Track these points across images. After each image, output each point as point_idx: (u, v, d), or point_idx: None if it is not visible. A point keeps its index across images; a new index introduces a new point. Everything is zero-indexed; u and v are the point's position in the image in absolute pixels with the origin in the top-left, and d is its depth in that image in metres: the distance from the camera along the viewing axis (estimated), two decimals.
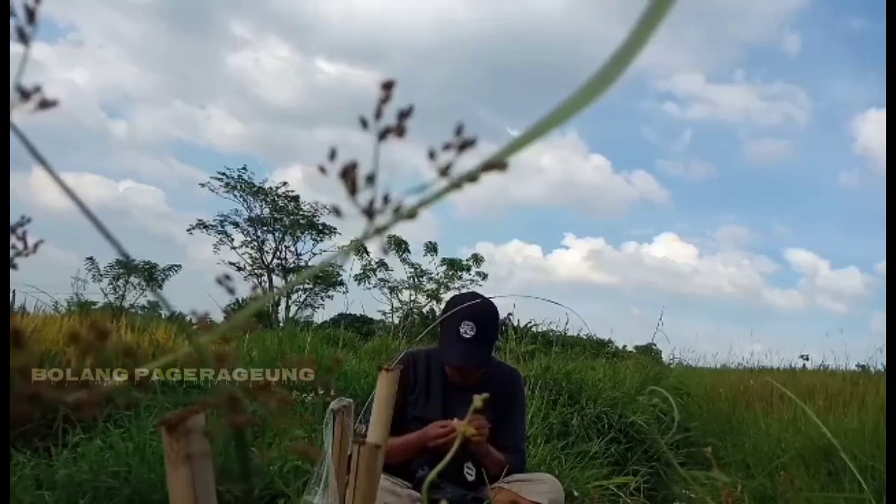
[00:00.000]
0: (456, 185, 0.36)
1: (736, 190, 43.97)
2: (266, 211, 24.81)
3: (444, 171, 0.36)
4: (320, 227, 25.35)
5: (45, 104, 0.37)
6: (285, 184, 24.98)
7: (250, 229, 24.92)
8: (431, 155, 0.37)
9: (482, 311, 2.18)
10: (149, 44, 35.45)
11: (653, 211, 40.02)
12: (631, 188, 40.48)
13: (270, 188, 24.67)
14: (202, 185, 24.51)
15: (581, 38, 42.52)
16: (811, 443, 3.98)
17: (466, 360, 2.12)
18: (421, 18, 41.16)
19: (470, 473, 2.08)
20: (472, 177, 0.36)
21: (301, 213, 25.08)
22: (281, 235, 25.22)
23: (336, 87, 36.56)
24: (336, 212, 0.38)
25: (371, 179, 0.37)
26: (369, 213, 0.37)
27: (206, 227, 24.74)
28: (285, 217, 24.88)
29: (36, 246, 0.52)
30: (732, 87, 41.67)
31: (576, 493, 3.07)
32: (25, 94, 0.37)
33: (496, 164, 0.36)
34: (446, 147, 0.37)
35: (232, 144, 36.53)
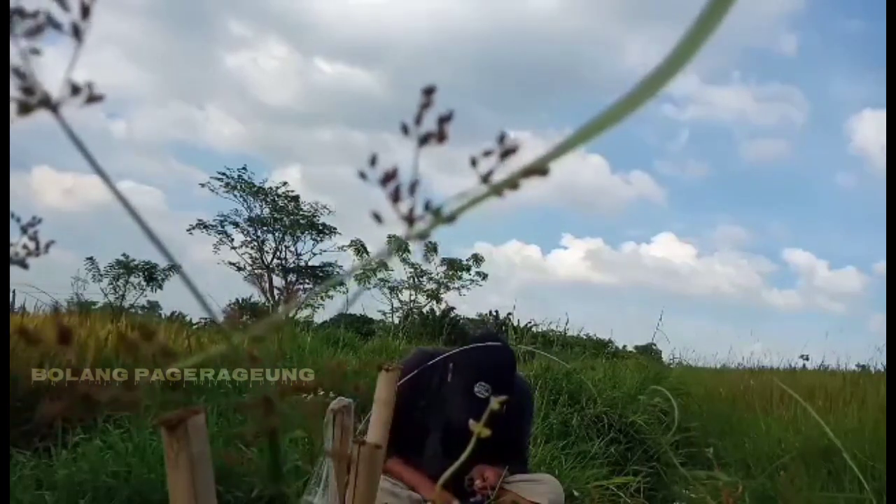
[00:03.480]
0: (496, 191, 0.36)
1: (733, 190, 44.13)
2: (266, 211, 24.81)
3: (486, 178, 0.36)
4: (320, 227, 25.35)
5: (93, 98, 0.37)
6: (285, 184, 25.01)
7: (250, 229, 24.93)
8: (473, 162, 0.37)
9: (499, 370, 2.05)
10: (147, 44, 35.49)
11: (650, 211, 40.13)
12: (629, 188, 40.57)
13: (270, 188, 24.68)
14: (202, 185, 24.55)
15: (579, 38, 42.56)
16: (811, 443, 3.97)
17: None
18: (419, 18, 41.16)
19: (471, 483, 2.08)
20: (512, 183, 0.36)
21: (301, 213, 25.07)
22: (281, 235, 25.22)
23: (335, 87, 36.62)
24: (377, 218, 0.38)
25: (413, 188, 0.37)
26: (409, 219, 0.37)
27: (206, 227, 24.75)
28: (285, 217, 24.87)
29: (47, 246, 0.52)
30: (729, 88, 41.78)
31: (576, 493, 3.07)
32: (76, 89, 0.37)
33: (536, 169, 0.35)
34: (487, 154, 0.37)
35: (231, 144, 36.65)
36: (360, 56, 42.48)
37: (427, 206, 0.37)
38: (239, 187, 24.26)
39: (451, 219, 0.37)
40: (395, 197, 0.37)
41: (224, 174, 24.03)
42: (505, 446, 2.09)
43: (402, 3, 42.75)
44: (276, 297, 24.35)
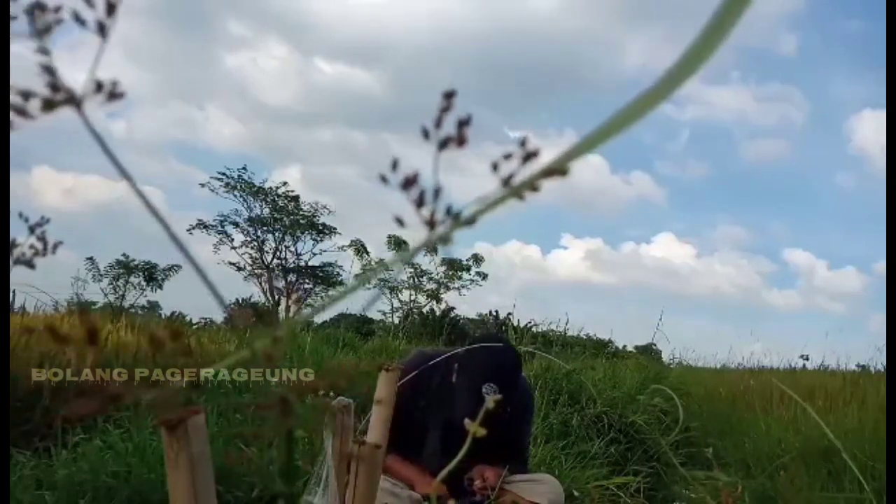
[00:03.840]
0: (516, 193, 0.36)
1: (733, 190, 44.24)
2: (266, 211, 24.80)
3: (507, 181, 0.36)
4: (320, 227, 25.34)
5: (114, 95, 0.38)
6: (285, 184, 25.00)
7: (250, 229, 24.91)
8: (495, 166, 0.37)
9: (506, 371, 2.05)
10: (147, 44, 35.48)
11: (650, 211, 40.18)
12: (628, 188, 40.63)
13: (270, 188, 24.67)
14: (202, 185, 24.54)
15: (578, 38, 42.59)
16: (811, 443, 3.97)
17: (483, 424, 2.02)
18: (419, 18, 41.16)
19: (470, 483, 2.08)
20: (532, 185, 0.36)
21: (301, 213, 25.06)
22: (281, 235, 25.21)
23: (334, 87, 36.62)
24: (399, 222, 0.38)
25: (437, 193, 0.37)
26: (431, 223, 0.37)
27: (206, 227, 24.74)
28: (285, 217, 24.86)
29: (55, 247, 0.52)
30: (728, 88, 41.81)
31: (576, 493, 3.07)
32: (99, 86, 0.38)
33: (556, 170, 0.36)
34: (507, 157, 0.37)
35: (231, 144, 36.66)
36: (360, 56, 42.53)
37: (448, 211, 0.37)
38: (239, 187, 24.25)
39: (471, 221, 0.37)
40: (420, 202, 0.37)
41: (224, 174, 24.04)
42: (506, 446, 2.09)
43: (402, 3, 42.77)
44: (277, 297, 24.35)
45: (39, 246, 0.51)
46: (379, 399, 1.28)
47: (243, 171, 24.26)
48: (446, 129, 0.38)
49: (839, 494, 3.23)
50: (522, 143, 0.37)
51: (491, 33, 40.43)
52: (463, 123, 0.38)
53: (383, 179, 0.38)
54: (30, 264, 0.51)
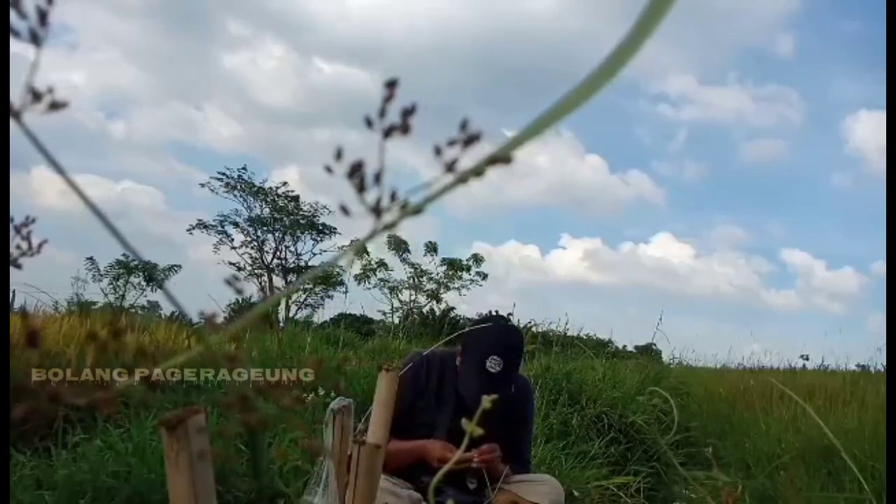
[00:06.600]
0: (462, 180, 0.36)
1: (731, 190, 44.28)
2: (266, 211, 24.79)
3: (451, 167, 0.36)
4: (320, 227, 25.33)
5: (56, 105, 0.37)
6: (285, 184, 24.99)
7: (250, 229, 24.90)
8: (437, 151, 0.37)
9: (510, 344, 2.08)
10: (145, 44, 35.49)
11: (649, 211, 40.16)
12: (627, 188, 40.59)
13: (270, 188, 24.66)
14: (202, 185, 24.52)
15: (577, 39, 42.58)
16: (811, 443, 3.98)
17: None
18: (418, 19, 41.15)
19: (472, 482, 2.07)
20: (477, 171, 0.36)
21: (301, 213, 25.05)
22: (281, 235, 25.19)
23: (333, 87, 36.62)
24: (344, 210, 0.38)
25: (378, 178, 0.37)
26: (376, 211, 0.37)
27: (205, 227, 24.73)
28: (285, 217, 24.85)
29: (40, 246, 0.52)
30: (726, 89, 41.83)
31: (576, 493, 3.07)
32: (37, 96, 0.37)
33: (501, 157, 0.36)
34: (451, 143, 0.37)
35: (230, 145, 36.62)
36: (358, 56, 42.50)
37: (393, 197, 0.37)
38: (239, 187, 24.24)
39: (418, 210, 0.37)
40: (360, 187, 0.37)
41: (224, 174, 24.02)
42: (502, 433, 2.09)
43: (402, 3, 42.75)
44: (282, 297, 24.28)
45: (25, 246, 0.51)
46: (379, 400, 1.28)
47: (243, 171, 24.26)
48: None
49: (839, 494, 3.23)
50: (464, 126, 0.37)
51: (490, 34, 40.46)
52: (407, 112, 0.38)
53: (328, 170, 0.38)
54: (16, 264, 0.51)
